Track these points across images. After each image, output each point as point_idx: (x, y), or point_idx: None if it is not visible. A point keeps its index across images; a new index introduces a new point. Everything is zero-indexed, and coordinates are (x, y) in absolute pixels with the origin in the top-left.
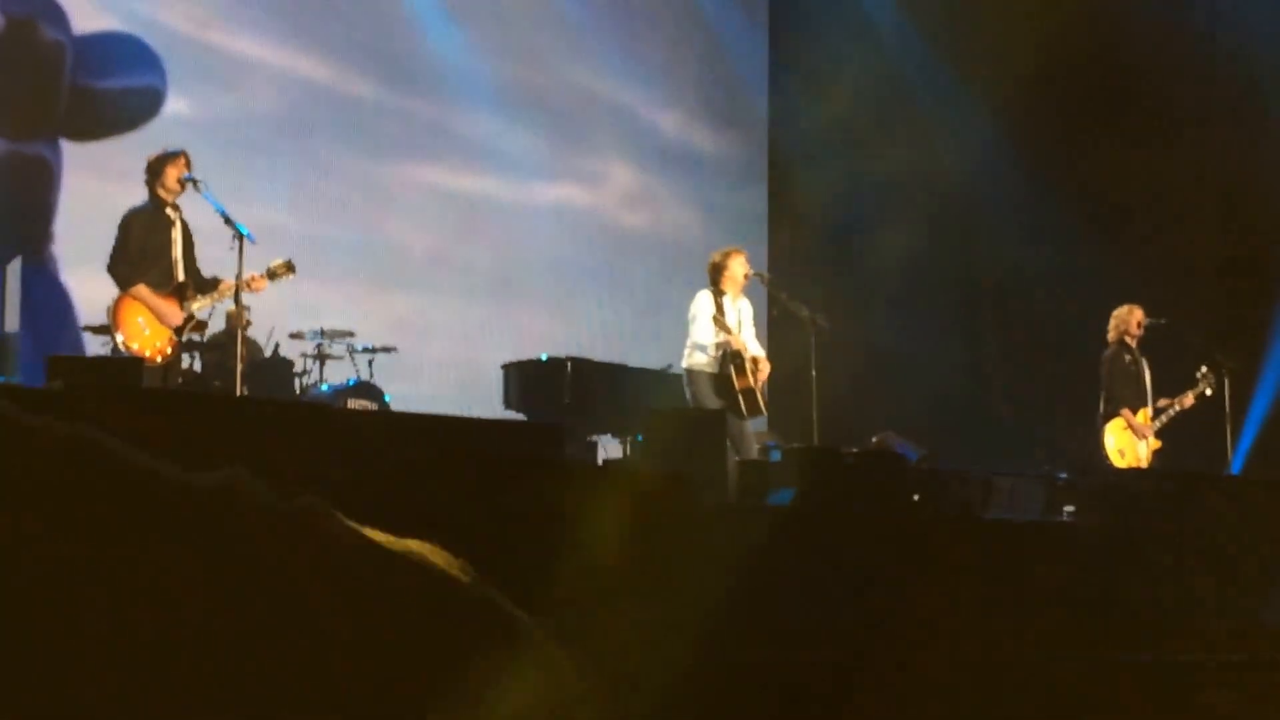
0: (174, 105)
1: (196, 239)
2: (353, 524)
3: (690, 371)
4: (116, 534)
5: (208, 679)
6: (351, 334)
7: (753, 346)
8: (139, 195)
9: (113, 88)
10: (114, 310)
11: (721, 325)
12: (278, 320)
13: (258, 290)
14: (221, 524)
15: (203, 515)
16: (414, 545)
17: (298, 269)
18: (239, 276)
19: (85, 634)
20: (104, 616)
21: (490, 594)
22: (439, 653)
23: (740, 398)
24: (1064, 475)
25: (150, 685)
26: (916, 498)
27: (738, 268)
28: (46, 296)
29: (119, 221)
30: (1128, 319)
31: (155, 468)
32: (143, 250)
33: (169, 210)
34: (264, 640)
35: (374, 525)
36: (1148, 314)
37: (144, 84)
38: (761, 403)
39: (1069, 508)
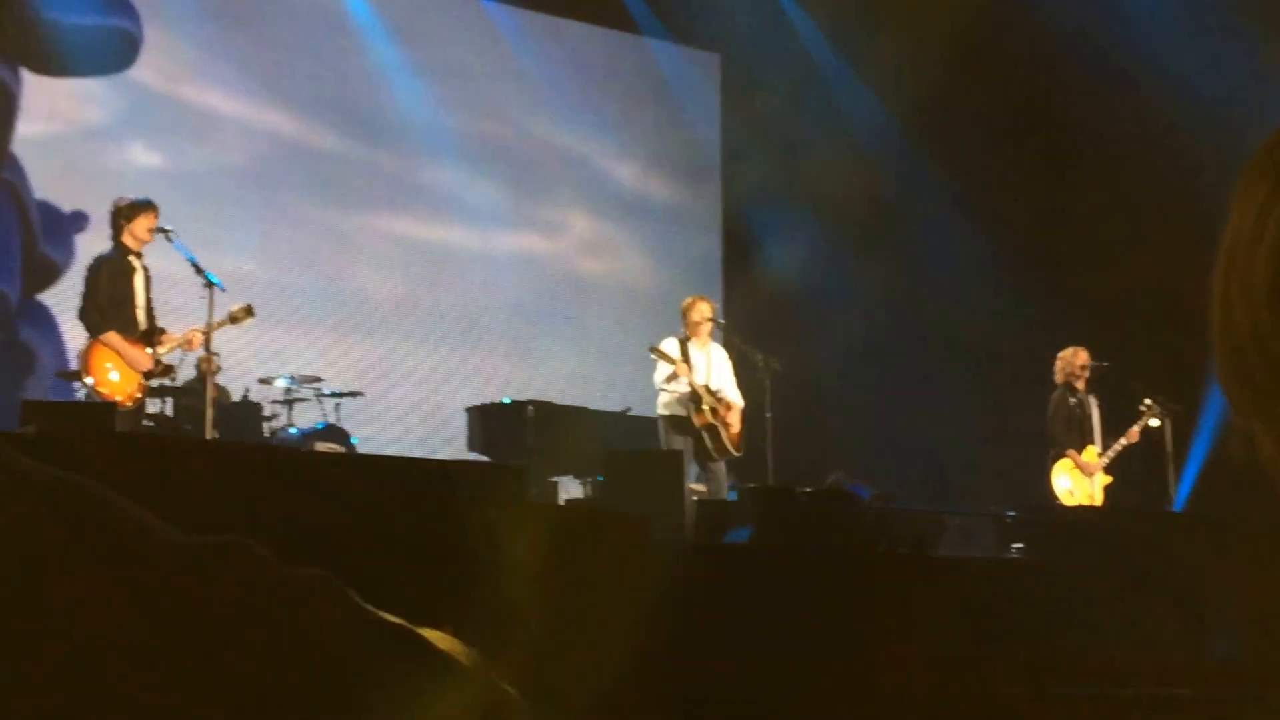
0: (146, 157)
1: (167, 288)
2: (366, 604)
3: (660, 417)
4: (102, 593)
5: None
6: (319, 379)
7: (729, 393)
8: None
9: (82, 24)
10: (85, 356)
11: (663, 355)
12: (248, 366)
13: (195, 348)
14: (217, 590)
15: (197, 579)
16: (432, 634)
17: (269, 316)
18: (209, 324)
19: (61, 699)
20: (82, 680)
21: (506, 691)
22: None
23: (704, 435)
24: (1012, 513)
25: None
26: (882, 548)
27: (696, 314)
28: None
29: (86, 269)
30: (1072, 361)
31: (150, 525)
32: (110, 297)
33: (132, 258)
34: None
35: (341, 563)
36: (1092, 356)
37: (115, 24)
38: (728, 442)
39: (1017, 544)
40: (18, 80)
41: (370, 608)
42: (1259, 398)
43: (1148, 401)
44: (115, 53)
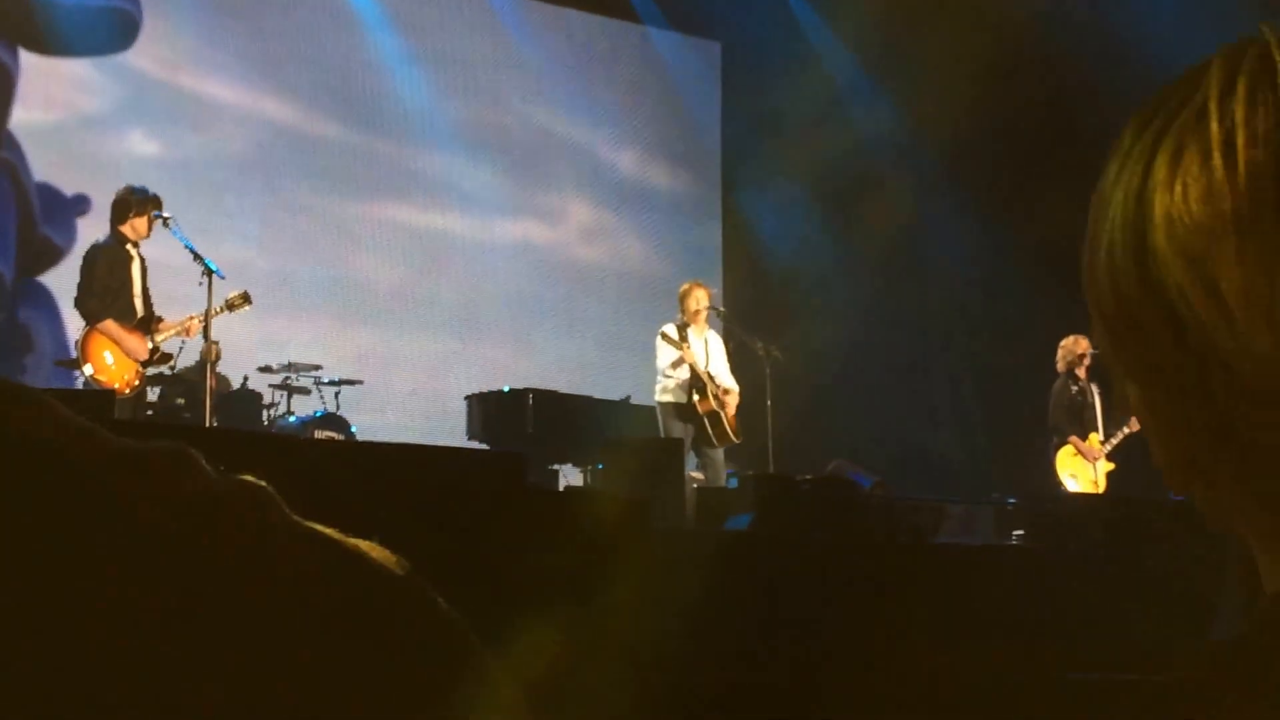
0: (145, 145)
1: (166, 276)
2: (295, 515)
3: (660, 404)
4: (24, 497)
5: (121, 664)
6: (318, 367)
7: (725, 378)
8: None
9: (81, 4)
10: (82, 344)
11: (670, 341)
12: (247, 354)
13: (193, 335)
14: (153, 493)
15: (136, 482)
16: (362, 545)
17: (268, 304)
18: (208, 312)
19: None
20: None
21: (433, 596)
22: (378, 655)
23: (705, 422)
24: (1012, 501)
25: (52, 671)
26: (882, 536)
27: (693, 301)
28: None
29: (83, 258)
30: (1073, 349)
31: (83, 424)
32: (106, 286)
33: (129, 246)
34: (186, 625)
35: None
36: (1093, 344)
37: (114, 5)
38: (729, 429)
39: (1018, 532)
40: (16, 60)
41: (300, 519)
42: (1117, 342)
43: None
44: (114, 33)
